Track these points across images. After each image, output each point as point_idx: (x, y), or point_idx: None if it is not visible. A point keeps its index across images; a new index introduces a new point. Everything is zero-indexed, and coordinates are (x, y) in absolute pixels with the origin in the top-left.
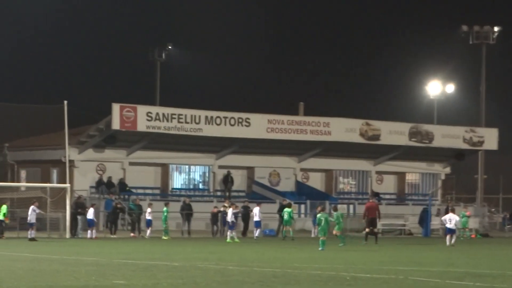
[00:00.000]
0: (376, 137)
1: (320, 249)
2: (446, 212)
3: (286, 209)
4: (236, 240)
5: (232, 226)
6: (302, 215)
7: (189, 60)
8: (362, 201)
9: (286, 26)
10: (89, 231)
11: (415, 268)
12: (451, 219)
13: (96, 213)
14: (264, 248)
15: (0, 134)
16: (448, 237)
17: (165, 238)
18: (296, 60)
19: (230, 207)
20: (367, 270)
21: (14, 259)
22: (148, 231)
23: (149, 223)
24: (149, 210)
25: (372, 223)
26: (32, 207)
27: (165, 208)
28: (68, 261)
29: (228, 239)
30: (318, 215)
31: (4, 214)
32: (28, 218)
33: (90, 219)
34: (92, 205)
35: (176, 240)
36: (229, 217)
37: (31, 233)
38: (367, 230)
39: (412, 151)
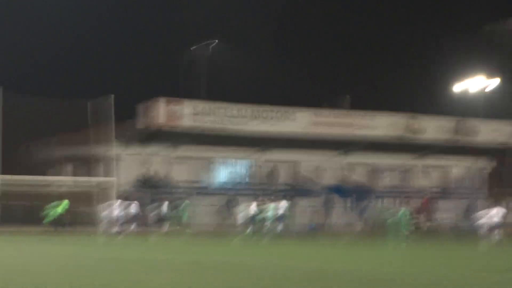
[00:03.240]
0: (421, 131)
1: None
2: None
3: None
4: None
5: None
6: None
7: (234, 55)
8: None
9: (333, 20)
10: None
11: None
12: (499, 213)
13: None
14: (308, 244)
15: (45, 129)
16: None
17: (188, 231)
18: (342, 54)
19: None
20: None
21: (59, 255)
22: (165, 227)
23: (165, 217)
24: (166, 204)
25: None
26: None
27: (186, 201)
28: (107, 257)
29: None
30: (400, 212)
31: (63, 209)
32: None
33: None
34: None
35: (220, 236)
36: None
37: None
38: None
39: (457, 145)
